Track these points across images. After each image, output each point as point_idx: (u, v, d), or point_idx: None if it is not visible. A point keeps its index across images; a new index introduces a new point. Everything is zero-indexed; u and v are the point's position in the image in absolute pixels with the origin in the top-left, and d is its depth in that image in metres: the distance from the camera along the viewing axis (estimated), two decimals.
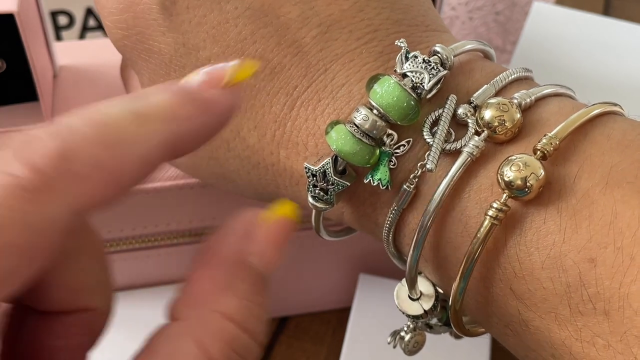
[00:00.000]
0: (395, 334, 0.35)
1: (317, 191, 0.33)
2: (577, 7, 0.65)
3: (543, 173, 0.28)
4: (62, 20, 0.51)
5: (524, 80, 0.33)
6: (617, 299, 0.26)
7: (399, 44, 0.32)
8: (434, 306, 0.33)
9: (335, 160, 0.32)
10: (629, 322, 0.26)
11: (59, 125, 0.23)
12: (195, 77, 0.27)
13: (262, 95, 0.33)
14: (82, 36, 0.53)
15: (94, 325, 0.27)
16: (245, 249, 0.26)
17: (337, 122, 0.32)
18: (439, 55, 0.31)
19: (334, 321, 0.55)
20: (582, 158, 0.29)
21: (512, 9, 0.57)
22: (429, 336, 0.37)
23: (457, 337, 0.34)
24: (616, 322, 0.26)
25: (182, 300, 0.26)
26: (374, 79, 0.31)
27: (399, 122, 0.31)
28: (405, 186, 0.31)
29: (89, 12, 0.52)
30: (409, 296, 0.34)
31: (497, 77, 0.32)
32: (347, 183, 0.32)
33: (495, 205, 0.28)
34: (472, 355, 0.51)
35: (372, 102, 0.31)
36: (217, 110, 0.26)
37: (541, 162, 0.29)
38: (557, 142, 0.29)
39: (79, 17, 0.51)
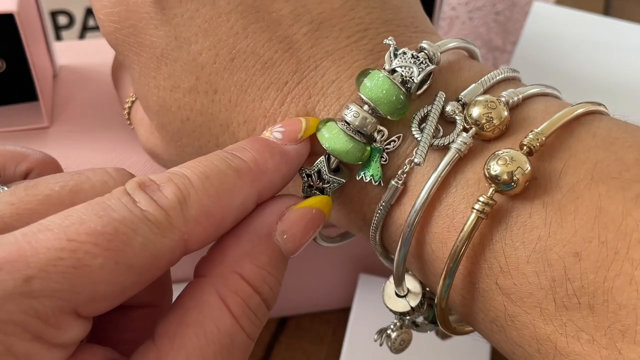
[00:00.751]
0: (382, 332, 0.36)
1: (312, 191, 0.33)
2: (577, 7, 0.66)
3: (529, 167, 0.29)
4: (62, 20, 0.52)
5: (512, 80, 0.33)
6: (602, 293, 0.27)
7: (387, 42, 0.32)
8: (421, 303, 0.34)
9: (328, 158, 0.33)
10: (613, 316, 0.26)
11: (174, 175, 0.28)
12: (274, 133, 0.32)
13: (252, 89, 0.34)
14: (82, 36, 0.54)
15: (156, 321, 0.30)
16: (274, 227, 0.30)
17: (327, 120, 0.32)
18: (426, 51, 0.32)
19: (334, 321, 0.55)
20: (567, 154, 0.30)
21: (512, 9, 0.58)
22: (431, 337, 0.37)
23: (443, 336, 0.35)
24: (600, 317, 0.27)
25: (209, 259, 0.30)
26: (363, 74, 0.32)
27: (388, 117, 0.32)
28: (393, 182, 0.32)
29: (89, 12, 0.52)
30: (396, 293, 0.34)
31: (486, 76, 0.33)
32: (343, 180, 0.33)
33: (481, 199, 0.29)
34: (472, 355, 0.51)
35: (362, 96, 0.32)
36: (296, 161, 0.32)
37: (527, 158, 0.29)
38: (543, 139, 0.29)
39: (79, 17, 0.52)
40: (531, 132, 0.30)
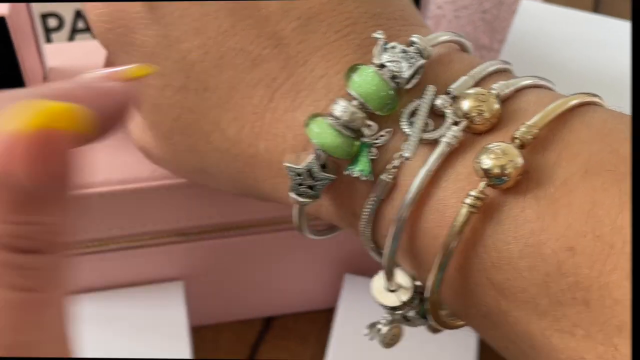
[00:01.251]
0: (372, 326, 0.35)
1: (302, 189, 0.32)
2: (567, 5, 0.65)
3: (521, 161, 0.28)
4: (52, 22, 0.51)
5: (503, 73, 0.32)
6: (597, 288, 0.26)
7: (376, 35, 0.32)
8: (412, 298, 0.33)
9: (317, 155, 0.32)
10: (609, 312, 0.25)
11: None
12: (92, 74, 0.27)
13: (241, 86, 0.33)
14: (71, 38, 0.53)
15: None
16: None
17: (316, 115, 0.32)
18: (416, 45, 0.31)
19: (320, 321, 0.54)
20: (560, 146, 0.28)
21: (499, 7, 0.57)
22: (417, 335, 0.36)
23: (435, 330, 0.34)
24: (596, 312, 0.26)
25: None
26: (352, 69, 0.31)
27: (378, 112, 0.31)
28: (383, 176, 0.31)
29: (78, 15, 0.51)
30: (386, 288, 0.33)
31: (476, 69, 0.32)
32: (333, 176, 0.32)
33: (472, 193, 0.28)
34: (459, 353, 0.50)
35: (351, 92, 0.31)
36: (113, 97, 0.26)
37: (519, 151, 0.28)
38: (536, 131, 0.28)
39: (68, 19, 0.51)
40: (523, 124, 0.29)
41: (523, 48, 0.57)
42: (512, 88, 0.31)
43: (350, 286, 0.52)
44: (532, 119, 0.29)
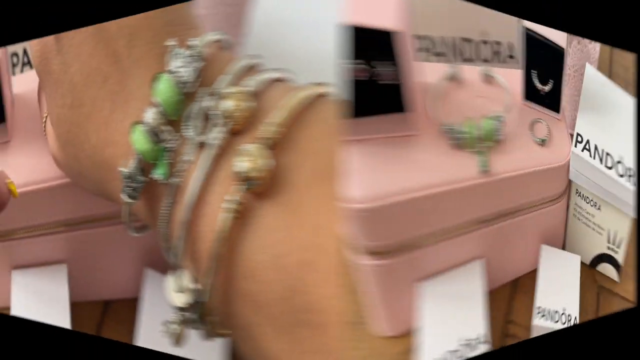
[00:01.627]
0: (165, 324, 0.30)
1: (129, 191, 0.29)
2: None
3: (267, 162, 0.23)
4: (14, 59, 0.50)
5: (256, 67, 0.28)
6: (329, 311, 0.20)
7: (169, 43, 0.29)
8: (194, 301, 0.27)
9: (137, 159, 0.29)
10: (338, 343, 0.20)
11: None
12: None
13: (98, 102, 0.32)
14: (22, 70, 0.51)
15: None
16: None
17: (137, 122, 0.29)
18: (193, 49, 0.28)
19: None
20: (301, 146, 0.24)
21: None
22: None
23: (207, 336, 0.29)
24: (325, 339, 0.20)
25: None
26: (155, 78, 0.29)
27: (173, 117, 0.28)
28: (171, 180, 0.27)
29: (24, 51, 0.50)
30: (175, 288, 0.29)
31: (232, 66, 0.27)
32: (144, 179, 0.29)
33: (228, 198, 0.24)
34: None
35: (154, 99, 0.28)
36: None
37: (267, 151, 0.23)
38: (278, 130, 0.23)
39: (20, 55, 0.49)
40: (265, 123, 0.24)
41: (268, 36, 0.46)
42: (262, 84, 0.26)
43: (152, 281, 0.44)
44: (272, 117, 0.24)
